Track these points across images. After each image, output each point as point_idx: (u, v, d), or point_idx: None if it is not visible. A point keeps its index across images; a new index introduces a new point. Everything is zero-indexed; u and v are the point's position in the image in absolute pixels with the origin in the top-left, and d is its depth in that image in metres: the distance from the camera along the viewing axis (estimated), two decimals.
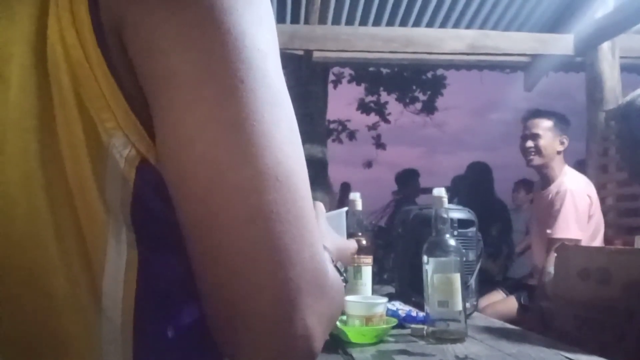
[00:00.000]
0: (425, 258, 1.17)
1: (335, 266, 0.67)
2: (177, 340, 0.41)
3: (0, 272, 0.35)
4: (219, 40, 0.35)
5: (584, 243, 2.31)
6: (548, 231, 2.36)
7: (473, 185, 3.76)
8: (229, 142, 0.35)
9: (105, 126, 0.36)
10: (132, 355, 0.37)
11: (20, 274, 0.35)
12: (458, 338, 1.11)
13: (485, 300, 2.59)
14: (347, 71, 8.15)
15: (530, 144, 2.44)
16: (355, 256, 1.31)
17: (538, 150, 2.43)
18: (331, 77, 7.08)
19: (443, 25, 3.68)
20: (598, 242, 2.39)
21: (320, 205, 0.77)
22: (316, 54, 3.56)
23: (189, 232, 0.37)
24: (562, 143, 2.45)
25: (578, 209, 2.32)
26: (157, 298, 0.40)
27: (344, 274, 0.72)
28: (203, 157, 0.35)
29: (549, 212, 2.39)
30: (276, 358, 0.37)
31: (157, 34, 0.35)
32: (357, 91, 8.84)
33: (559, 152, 2.45)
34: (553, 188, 2.43)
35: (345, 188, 5.71)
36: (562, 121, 2.50)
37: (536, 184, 2.73)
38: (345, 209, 1.03)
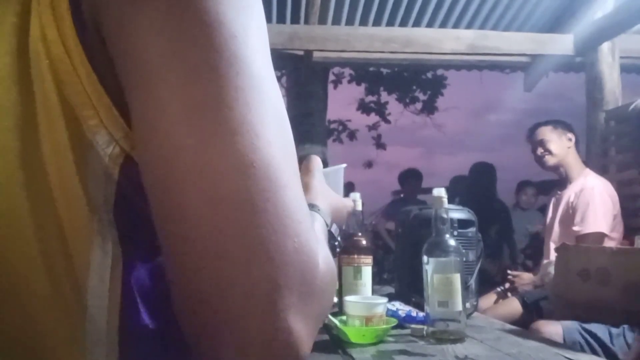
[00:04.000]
0: (425, 258, 1.17)
1: (330, 231, 0.64)
2: (163, 338, 0.41)
3: None
4: (189, 27, 0.34)
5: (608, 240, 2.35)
6: (575, 228, 2.39)
7: (473, 186, 3.76)
8: (194, 127, 0.33)
9: (88, 123, 0.35)
10: (118, 353, 0.37)
11: (2, 274, 0.34)
12: (458, 338, 1.11)
13: (485, 301, 2.59)
14: (347, 71, 8.15)
15: (540, 150, 2.58)
16: (355, 256, 1.31)
17: (548, 151, 2.55)
18: (331, 77, 7.08)
19: (443, 25, 3.68)
20: (618, 243, 2.41)
21: (317, 159, 0.74)
22: (316, 54, 3.56)
23: (158, 223, 0.35)
24: (569, 139, 2.55)
25: (604, 205, 2.39)
26: (142, 296, 0.40)
27: (338, 238, 0.69)
28: (168, 142, 0.33)
29: (574, 210, 2.43)
30: None
31: (129, 23, 0.34)
32: (357, 91, 8.85)
33: (569, 148, 2.55)
34: (575, 186, 2.49)
35: (349, 188, 5.68)
36: (561, 123, 2.61)
37: (551, 189, 2.82)
38: (344, 165, 0.97)
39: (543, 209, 3.44)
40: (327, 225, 0.63)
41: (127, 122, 0.36)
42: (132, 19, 0.34)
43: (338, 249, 0.64)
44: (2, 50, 0.35)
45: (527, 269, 3.30)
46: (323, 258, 0.37)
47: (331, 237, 0.66)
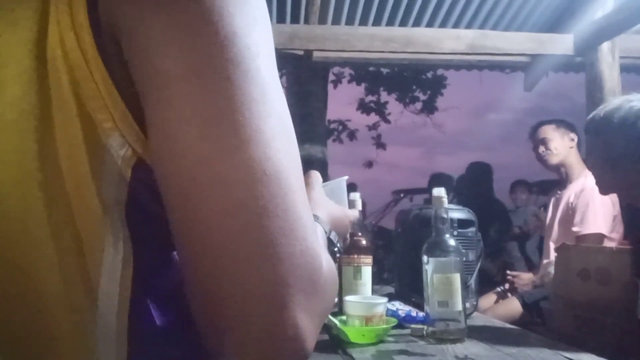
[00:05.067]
0: (425, 258, 1.17)
1: (329, 238, 0.67)
2: (171, 337, 0.42)
3: None
4: (206, 40, 0.36)
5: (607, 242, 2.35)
6: (575, 229, 2.38)
7: (472, 186, 3.76)
8: (211, 137, 0.35)
9: (102, 127, 0.37)
10: (127, 352, 0.38)
11: (14, 273, 0.35)
12: (458, 338, 1.11)
13: (485, 301, 2.59)
14: (347, 71, 8.15)
15: (542, 149, 2.58)
16: (355, 256, 1.31)
17: (550, 150, 2.55)
18: (331, 77, 7.08)
19: (443, 25, 3.68)
20: (617, 244, 2.40)
21: (316, 174, 0.76)
22: (316, 54, 3.56)
23: (174, 228, 0.37)
24: (571, 139, 2.55)
25: (604, 205, 2.38)
26: (151, 295, 0.41)
27: (338, 245, 0.71)
28: (185, 152, 0.35)
29: (574, 210, 2.43)
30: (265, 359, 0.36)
31: (147, 35, 0.36)
32: (357, 91, 8.85)
33: (571, 147, 2.55)
34: (575, 187, 2.48)
35: (351, 188, 5.58)
36: (564, 122, 2.62)
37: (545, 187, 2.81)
38: (346, 177, 0.99)
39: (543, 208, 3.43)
40: (326, 232, 0.65)
41: (140, 125, 0.38)
42: (150, 31, 0.36)
43: (338, 255, 0.65)
44: (22, 54, 0.36)
45: (530, 264, 3.30)
46: (325, 260, 0.39)
47: (330, 243, 0.68)
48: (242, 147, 0.35)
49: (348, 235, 0.80)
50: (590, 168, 1.78)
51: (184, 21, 0.36)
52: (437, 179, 4.82)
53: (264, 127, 0.36)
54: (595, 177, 1.66)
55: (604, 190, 1.65)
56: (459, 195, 3.75)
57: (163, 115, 0.36)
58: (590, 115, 1.59)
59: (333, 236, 0.69)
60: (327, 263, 0.40)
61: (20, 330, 0.35)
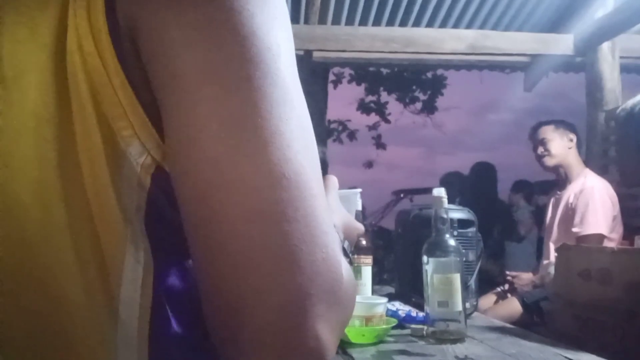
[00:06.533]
0: (425, 258, 1.16)
1: (343, 247, 0.66)
2: (191, 345, 0.41)
3: (14, 277, 0.35)
4: (225, 40, 0.35)
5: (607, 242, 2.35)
6: (575, 229, 2.38)
7: (474, 186, 3.76)
8: (230, 139, 0.34)
9: (122, 134, 0.36)
10: (148, 359, 0.37)
11: (35, 280, 0.35)
12: (458, 338, 1.11)
13: (485, 302, 2.59)
14: (347, 71, 8.14)
15: (540, 149, 2.59)
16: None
17: (548, 151, 2.56)
18: (331, 77, 7.08)
19: (443, 25, 3.68)
20: (617, 244, 2.40)
21: (333, 179, 0.74)
22: (316, 54, 3.56)
23: (191, 234, 0.36)
24: (570, 140, 2.56)
25: (604, 205, 2.38)
26: (171, 303, 0.40)
27: (350, 255, 0.70)
28: (204, 155, 0.34)
29: (574, 211, 2.43)
30: None
31: (166, 37, 0.35)
32: (357, 91, 8.84)
33: (569, 148, 2.55)
34: (575, 187, 2.49)
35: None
36: (563, 123, 2.63)
37: (547, 188, 2.83)
38: (359, 190, 0.99)
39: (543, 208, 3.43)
40: (341, 241, 0.63)
41: (159, 132, 0.37)
42: (169, 33, 0.35)
43: (350, 265, 0.64)
44: (41, 62, 0.36)
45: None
46: (345, 269, 0.38)
47: (344, 253, 0.66)
48: (261, 150, 0.34)
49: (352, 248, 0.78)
50: (617, 162, 1.76)
51: (202, 22, 0.35)
52: (447, 179, 4.80)
53: (284, 129, 0.35)
54: (621, 169, 1.66)
55: (628, 182, 1.65)
56: (461, 196, 3.74)
57: (181, 118, 0.35)
58: (622, 105, 1.58)
59: (347, 246, 0.67)
60: (346, 272, 0.38)
61: (42, 339, 0.35)
